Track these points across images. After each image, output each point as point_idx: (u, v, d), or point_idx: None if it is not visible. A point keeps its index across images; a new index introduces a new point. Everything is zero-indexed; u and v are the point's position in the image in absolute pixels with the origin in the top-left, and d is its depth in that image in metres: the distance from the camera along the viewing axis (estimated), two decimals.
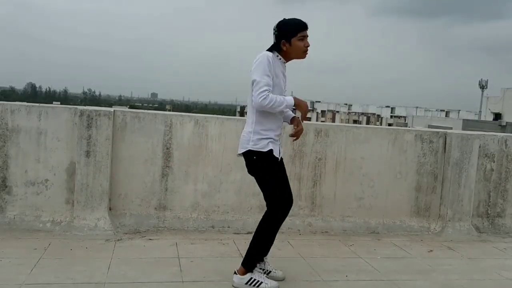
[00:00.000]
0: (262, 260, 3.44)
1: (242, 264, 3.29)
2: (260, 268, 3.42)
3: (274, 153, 3.22)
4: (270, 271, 3.46)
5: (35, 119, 4.29)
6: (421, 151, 5.05)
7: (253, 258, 3.29)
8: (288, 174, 4.67)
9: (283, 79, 3.26)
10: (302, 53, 3.23)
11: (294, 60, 3.32)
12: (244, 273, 3.26)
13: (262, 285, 3.22)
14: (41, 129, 4.31)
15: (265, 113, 3.19)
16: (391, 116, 76.47)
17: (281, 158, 3.38)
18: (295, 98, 3.19)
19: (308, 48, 3.22)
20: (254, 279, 3.25)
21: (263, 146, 3.19)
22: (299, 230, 4.71)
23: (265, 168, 3.22)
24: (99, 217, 4.28)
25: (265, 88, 3.06)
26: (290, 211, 4.77)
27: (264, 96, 3.05)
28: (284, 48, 3.20)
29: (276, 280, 3.39)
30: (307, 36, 3.21)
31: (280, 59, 3.25)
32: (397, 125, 40.25)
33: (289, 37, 3.17)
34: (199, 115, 4.68)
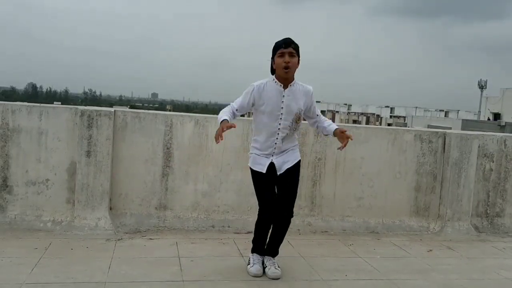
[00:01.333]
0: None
1: None
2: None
3: (254, 168, 3.49)
4: (265, 267, 3.57)
5: (36, 119, 4.31)
6: (421, 151, 5.07)
7: (253, 242, 3.66)
8: None
9: (279, 104, 3.39)
10: (282, 69, 3.35)
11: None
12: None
13: (248, 266, 3.60)
14: (42, 129, 4.32)
15: (256, 125, 3.50)
16: (391, 116, 76.44)
17: (287, 170, 3.49)
18: (222, 121, 3.32)
19: (288, 64, 3.32)
20: (249, 259, 3.65)
21: (250, 162, 3.54)
22: (299, 230, 4.72)
23: (252, 178, 3.55)
24: (99, 217, 4.29)
25: (232, 103, 3.46)
26: None
27: (226, 107, 3.46)
28: (274, 67, 3.42)
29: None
30: (286, 53, 3.33)
31: (275, 82, 3.42)
32: (396, 125, 40.22)
33: (273, 56, 3.41)
34: (200, 115, 4.69)
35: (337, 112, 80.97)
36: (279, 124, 3.41)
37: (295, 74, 3.44)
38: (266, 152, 3.47)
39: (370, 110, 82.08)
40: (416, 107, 78.34)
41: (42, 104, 4.55)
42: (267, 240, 3.63)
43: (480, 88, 51.90)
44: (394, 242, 4.63)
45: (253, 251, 3.64)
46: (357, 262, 3.99)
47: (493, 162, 5.26)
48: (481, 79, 52.44)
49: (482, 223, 5.26)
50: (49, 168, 4.35)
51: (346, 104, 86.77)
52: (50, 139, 4.34)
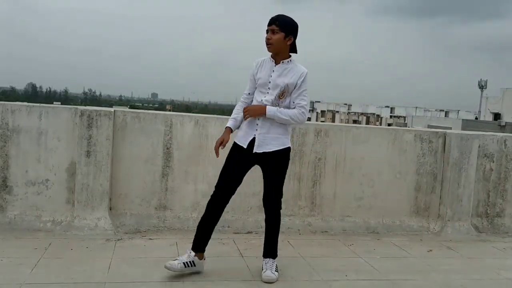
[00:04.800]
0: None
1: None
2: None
3: (235, 140, 3.53)
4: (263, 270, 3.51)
5: (35, 119, 4.30)
6: (421, 151, 5.06)
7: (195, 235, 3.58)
8: (287, 174, 4.70)
9: (268, 78, 3.44)
10: (266, 45, 3.43)
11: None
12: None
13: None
14: (42, 129, 4.32)
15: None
16: (391, 116, 76.48)
17: (269, 154, 3.43)
18: (225, 130, 3.52)
19: (268, 40, 3.39)
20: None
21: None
22: (299, 230, 4.72)
23: (228, 153, 3.59)
24: (99, 217, 4.29)
25: (244, 92, 3.60)
26: (290, 210, 4.81)
27: (239, 101, 3.63)
28: None
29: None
30: (269, 30, 3.39)
31: (271, 59, 3.49)
32: (396, 125, 40.26)
33: None
34: (199, 115, 4.69)
35: (337, 112, 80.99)
36: (264, 97, 3.42)
37: (289, 53, 3.45)
38: (251, 126, 3.45)
39: (370, 110, 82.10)
40: (416, 107, 78.39)
41: (41, 104, 4.54)
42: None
43: (480, 88, 52.00)
44: (394, 242, 4.63)
45: (192, 247, 3.49)
46: (357, 262, 3.99)
47: (493, 162, 5.26)
48: (481, 79, 52.61)
49: (482, 223, 5.25)
50: (48, 168, 4.35)
51: (346, 104, 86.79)
52: (49, 139, 4.33)
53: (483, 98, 49.70)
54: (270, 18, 3.41)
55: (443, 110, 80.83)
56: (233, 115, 3.58)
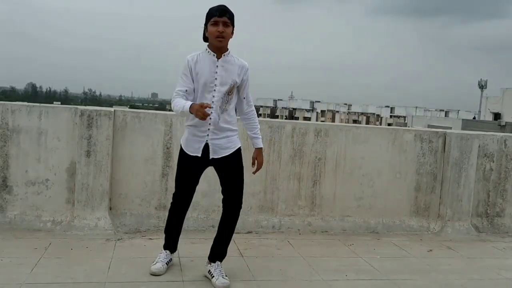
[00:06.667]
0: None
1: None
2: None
3: (186, 149, 3.34)
4: (212, 276, 3.38)
5: (35, 119, 4.30)
6: (421, 151, 5.06)
7: (165, 237, 3.60)
8: (287, 174, 4.73)
9: (213, 75, 3.22)
10: (215, 38, 3.18)
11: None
12: None
13: (151, 264, 3.52)
14: (42, 129, 4.31)
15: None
16: (391, 116, 76.49)
17: (226, 157, 3.32)
18: (191, 106, 3.08)
19: (222, 33, 3.15)
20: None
21: (183, 140, 3.38)
22: (299, 230, 4.72)
23: (179, 158, 3.42)
24: (99, 217, 4.29)
25: (175, 90, 3.24)
26: (290, 210, 4.81)
27: (172, 98, 3.25)
28: (207, 35, 3.25)
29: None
30: (220, 22, 3.15)
31: (209, 52, 3.26)
32: (396, 125, 40.22)
33: (206, 24, 3.24)
34: None
35: (337, 112, 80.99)
36: (213, 96, 3.22)
37: (229, 45, 3.27)
38: (202, 129, 3.26)
39: (370, 110, 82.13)
40: (416, 107, 78.38)
41: (41, 104, 4.54)
42: (213, 241, 3.46)
43: (480, 88, 52.01)
44: (394, 242, 4.63)
45: (164, 247, 3.55)
46: (357, 262, 3.99)
47: (493, 162, 5.25)
48: (481, 79, 52.59)
49: (482, 223, 5.25)
50: (48, 168, 4.35)
51: (346, 104, 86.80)
52: (49, 139, 4.33)
53: (483, 98, 49.67)
54: (217, 7, 3.18)
55: (443, 110, 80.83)
56: (183, 101, 3.16)
